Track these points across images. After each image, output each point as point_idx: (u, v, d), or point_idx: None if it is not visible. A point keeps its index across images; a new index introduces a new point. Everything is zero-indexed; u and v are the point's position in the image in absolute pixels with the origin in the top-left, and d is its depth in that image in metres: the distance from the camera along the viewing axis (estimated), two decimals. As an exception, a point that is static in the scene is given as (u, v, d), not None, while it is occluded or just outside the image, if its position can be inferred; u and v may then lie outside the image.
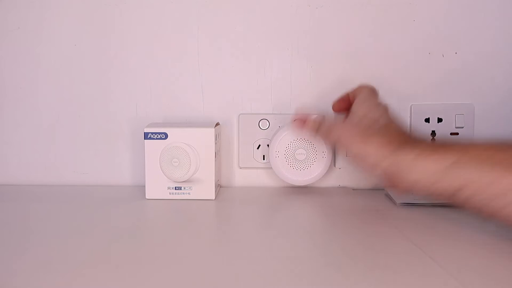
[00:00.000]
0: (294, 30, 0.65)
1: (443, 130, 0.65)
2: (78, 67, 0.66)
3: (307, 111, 0.60)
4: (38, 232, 0.46)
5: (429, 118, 0.65)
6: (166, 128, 0.57)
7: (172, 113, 0.66)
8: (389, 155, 0.44)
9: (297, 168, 0.60)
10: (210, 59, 0.65)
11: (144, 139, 0.57)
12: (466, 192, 0.40)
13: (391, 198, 0.58)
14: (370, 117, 0.49)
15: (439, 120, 0.65)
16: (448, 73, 0.65)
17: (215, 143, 0.58)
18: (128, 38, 0.65)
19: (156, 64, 0.66)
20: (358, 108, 0.51)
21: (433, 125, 0.65)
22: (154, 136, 0.57)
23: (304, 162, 0.60)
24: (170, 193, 0.58)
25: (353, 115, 0.51)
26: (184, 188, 0.58)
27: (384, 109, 0.51)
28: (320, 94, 0.66)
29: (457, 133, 0.65)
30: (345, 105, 0.56)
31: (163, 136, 0.57)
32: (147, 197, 0.58)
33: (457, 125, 0.65)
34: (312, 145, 0.60)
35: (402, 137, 0.46)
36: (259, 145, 0.66)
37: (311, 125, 0.55)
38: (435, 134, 0.65)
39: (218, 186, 0.63)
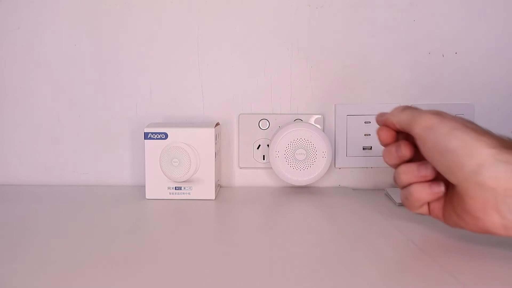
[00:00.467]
0: (294, 30, 0.65)
1: (443, 130, 0.65)
2: (78, 67, 0.66)
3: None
4: (38, 232, 0.46)
5: (429, 118, 0.65)
6: (166, 128, 0.57)
7: (172, 113, 0.66)
8: (502, 159, 0.35)
9: (297, 168, 0.60)
10: (210, 59, 0.65)
11: (144, 139, 0.57)
12: None
13: (391, 198, 0.58)
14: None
15: (439, 120, 0.65)
16: (448, 73, 0.65)
17: (215, 143, 0.58)
18: (128, 38, 0.65)
19: (156, 64, 0.66)
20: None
21: (433, 125, 0.65)
22: (154, 136, 0.57)
23: (304, 162, 0.60)
24: (170, 193, 0.58)
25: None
26: (184, 188, 0.58)
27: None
28: (320, 94, 0.66)
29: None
30: (392, 136, 0.44)
31: (163, 136, 0.57)
32: (147, 197, 0.58)
33: (457, 125, 0.65)
34: (312, 145, 0.60)
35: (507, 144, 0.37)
36: (259, 145, 0.66)
37: (396, 109, 0.43)
38: (435, 134, 0.65)
39: (218, 186, 0.63)
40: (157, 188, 0.58)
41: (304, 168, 0.60)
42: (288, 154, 0.60)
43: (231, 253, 0.40)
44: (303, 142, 0.60)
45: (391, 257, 0.39)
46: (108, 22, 0.65)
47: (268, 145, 0.64)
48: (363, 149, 0.66)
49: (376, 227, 0.47)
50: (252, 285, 0.34)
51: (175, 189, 0.58)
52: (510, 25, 0.65)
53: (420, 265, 0.37)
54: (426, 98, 0.65)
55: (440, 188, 0.39)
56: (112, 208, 0.54)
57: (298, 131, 0.60)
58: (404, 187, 0.42)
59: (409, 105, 0.45)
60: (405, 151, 0.42)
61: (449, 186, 0.40)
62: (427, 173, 0.40)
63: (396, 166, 0.43)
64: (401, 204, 0.55)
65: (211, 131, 0.57)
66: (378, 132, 0.45)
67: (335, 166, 0.66)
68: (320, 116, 0.65)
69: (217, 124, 0.61)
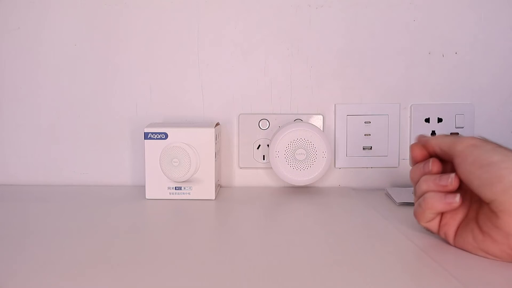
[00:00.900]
0: (294, 30, 0.65)
1: (443, 130, 0.65)
2: (78, 67, 0.66)
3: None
4: (38, 232, 0.46)
5: (429, 118, 0.65)
6: (166, 128, 0.57)
7: (172, 113, 0.66)
8: None
9: (297, 168, 0.60)
10: (210, 59, 0.65)
11: (144, 139, 0.57)
12: None
13: (391, 198, 0.58)
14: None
15: (439, 120, 0.65)
16: (448, 73, 0.65)
17: (215, 143, 0.58)
18: (128, 38, 0.65)
19: (156, 64, 0.66)
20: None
21: (433, 125, 0.65)
22: (154, 136, 0.57)
23: (304, 162, 0.60)
24: (170, 193, 0.58)
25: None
26: (184, 188, 0.58)
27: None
28: (320, 94, 0.66)
29: (457, 133, 0.65)
30: (424, 155, 0.45)
31: (163, 136, 0.57)
32: (147, 197, 0.58)
33: (457, 125, 0.65)
34: (312, 145, 0.60)
35: None
36: (259, 145, 0.66)
37: (439, 135, 0.44)
38: (435, 134, 0.65)
39: (218, 186, 0.63)
40: (157, 188, 0.58)
41: (304, 168, 0.60)
42: (288, 154, 0.60)
43: (231, 253, 0.40)
44: (303, 142, 0.60)
45: (391, 257, 0.39)
46: (108, 22, 0.65)
47: (268, 145, 0.64)
48: (363, 149, 0.66)
49: (376, 227, 0.47)
50: (252, 285, 0.34)
51: (175, 189, 0.58)
52: (510, 25, 0.65)
53: (420, 265, 0.37)
54: (426, 98, 0.65)
55: (455, 199, 0.39)
56: (112, 208, 0.54)
57: (298, 131, 0.60)
58: (421, 196, 0.42)
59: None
60: (433, 165, 0.42)
61: (474, 206, 0.40)
62: (448, 182, 0.40)
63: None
64: (401, 204, 0.55)
65: (211, 131, 0.57)
66: (412, 147, 0.45)
67: (335, 166, 0.66)
68: (320, 116, 0.65)
69: (217, 124, 0.61)
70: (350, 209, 0.55)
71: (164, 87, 0.66)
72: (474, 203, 0.40)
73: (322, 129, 0.65)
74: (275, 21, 0.65)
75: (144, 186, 0.58)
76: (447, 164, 0.43)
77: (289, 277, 0.35)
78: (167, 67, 0.66)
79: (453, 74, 0.65)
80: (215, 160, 0.58)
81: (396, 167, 0.66)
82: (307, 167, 0.60)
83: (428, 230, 0.43)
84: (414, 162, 0.45)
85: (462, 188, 0.41)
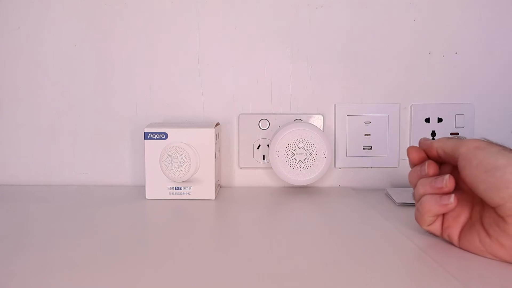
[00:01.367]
0: (294, 30, 0.65)
1: (443, 130, 0.65)
2: (78, 67, 0.66)
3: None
4: (38, 232, 0.46)
5: (429, 118, 0.65)
6: (166, 128, 0.57)
7: (172, 113, 0.66)
8: None
9: (297, 168, 0.60)
10: (210, 59, 0.65)
11: (144, 139, 0.57)
12: None
13: (391, 198, 0.58)
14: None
15: (439, 120, 0.65)
16: (448, 73, 0.65)
17: (215, 143, 0.58)
18: (128, 38, 0.65)
19: (156, 64, 0.66)
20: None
21: (433, 125, 0.65)
22: (154, 136, 0.57)
23: (304, 162, 0.60)
24: (170, 193, 0.58)
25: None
26: (184, 188, 0.58)
27: None
28: (320, 94, 0.66)
29: (457, 133, 0.65)
30: (422, 157, 0.45)
31: (163, 136, 0.57)
32: (147, 197, 0.58)
33: (457, 125, 0.65)
34: (312, 145, 0.60)
35: None
36: (259, 145, 0.66)
37: (442, 137, 0.43)
38: (435, 134, 0.65)
39: (218, 186, 0.63)
40: (157, 188, 0.58)
41: (304, 168, 0.60)
42: (288, 154, 0.60)
43: (231, 253, 0.40)
44: (303, 142, 0.60)
45: (391, 257, 0.39)
46: (108, 22, 0.65)
47: (268, 145, 0.64)
48: (363, 149, 0.66)
49: (376, 227, 0.47)
50: (252, 285, 0.34)
51: (175, 189, 0.58)
52: (510, 25, 0.65)
53: (420, 265, 0.37)
54: (426, 98, 0.65)
55: (450, 200, 0.39)
56: (112, 208, 0.54)
57: (298, 131, 0.60)
58: (419, 199, 0.42)
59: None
60: (429, 168, 0.42)
61: (477, 208, 0.40)
62: (443, 184, 0.39)
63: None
64: (401, 204, 0.55)
65: (211, 131, 0.57)
66: (409, 150, 0.45)
67: (335, 166, 0.66)
68: (320, 116, 0.65)
69: (217, 124, 0.61)
70: (350, 209, 0.55)
71: (164, 87, 0.66)
72: (477, 205, 0.40)
73: (322, 129, 0.65)
74: (275, 21, 0.65)
75: (144, 186, 0.58)
76: (445, 166, 0.43)
77: (289, 277, 0.35)
78: (167, 67, 0.66)
79: (453, 74, 0.65)
80: (215, 160, 0.58)
81: (396, 167, 0.66)
82: (307, 167, 0.60)
83: (432, 234, 0.43)
84: (412, 165, 0.45)
85: (462, 189, 0.41)
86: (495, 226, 0.37)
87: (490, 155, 0.37)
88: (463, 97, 0.66)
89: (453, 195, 0.39)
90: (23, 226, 0.48)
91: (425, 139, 0.45)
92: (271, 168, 0.62)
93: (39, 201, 0.58)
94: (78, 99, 0.66)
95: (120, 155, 0.67)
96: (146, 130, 0.57)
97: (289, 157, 0.60)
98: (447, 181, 0.39)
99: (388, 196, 0.60)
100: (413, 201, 0.55)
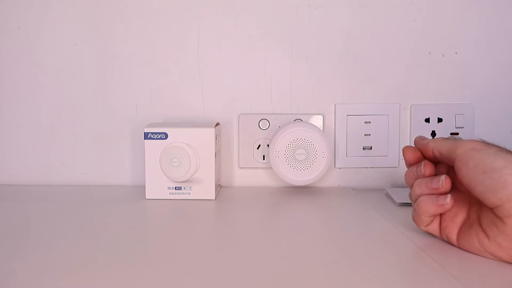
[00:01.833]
0: (294, 30, 0.65)
1: (443, 130, 0.65)
2: (78, 67, 0.66)
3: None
4: (38, 232, 0.46)
5: (429, 118, 0.65)
6: (166, 128, 0.57)
7: (172, 113, 0.66)
8: None
9: (297, 168, 0.60)
10: (210, 59, 0.65)
11: (144, 139, 0.57)
12: None
13: (391, 198, 0.58)
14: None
15: (439, 120, 0.65)
16: (448, 73, 0.65)
17: (215, 143, 0.58)
18: (128, 38, 0.65)
19: (156, 64, 0.66)
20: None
21: (433, 125, 0.65)
22: (154, 136, 0.57)
23: (304, 162, 0.60)
24: (170, 193, 0.58)
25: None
26: (184, 188, 0.58)
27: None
28: (320, 94, 0.66)
29: (457, 133, 0.65)
30: (418, 157, 0.44)
31: (163, 136, 0.57)
32: (147, 197, 0.58)
33: (457, 125, 0.65)
34: (312, 145, 0.60)
35: None
36: (259, 145, 0.66)
37: (438, 138, 0.43)
38: (435, 134, 0.65)
39: (218, 186, 0.63)
40: (157, 188, 0.58)
41: (304, 168, 0.60)
42: (288, 154, 0.60)
43: (231, 253, 0.40)
44: (303, 142, 0.60)
45: (391, 257, 0.39)
46: (108, 22, 0.65)
47: (268, 145, 0.64)
48: (363, 149, 0.66)
49: (376, 227, 0.47)
50: (252, 285, 0.34)
51: (175, 189, 0.58)
52: (510, 25, 0.65)
53: (420, 265, 0.37)
54: (426, 98, 0.65)
55: (446, 200, 0.39)
56: (112, 208, 0.54)
57: (298, 131, 0.60)
58: (416, 200, 0.42)
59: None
60: (425, 168, 0.42)
61: (474, 208, 0.40)
62: (439, 185, 0.39)
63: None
64: (401, 204, 0.55)
65: (211, 131, 0.57)
66: (404, 150, 0.45)
67: (335, 166, 0.66)
68: (320, 116, 0.65)
69: (217, 124, 0.61)
70: (350, 209, 0.55)
71: (164, 87, 0.66)
72: (474, 205, 0.40)
73: (322, 129, 0.65)
74: (275, 21, 0.65)
75: (144, 186, 0.58)
76: (441, 165, 0.43)
77: (289, 277, 0.35)
78: (167, 67, 0.66)
79: (453, 74, 0.65)
80: (215, 160, 0.58)
81: (396, 167, 0.66)
82: (307, 167, 0.60)
83: (430, 234, 0.43)
84: (408, 165, 0.45)
85: (458, 189, 0.41)
86: (493, 227, 0.37)
87: (487, 156, 0.36)
88: (463, 97, 0.66)
89: (449, 195, 0.39)
90: (23, 226, 0.48)
91: (420, 137, 0.45)
92: (271, 168, 0.62)
93: (39, 201, 0.58)
94: (78, 99, 0.66)
95: (120, 155, 0.67)
96: (146, 130, 0.57)
97: (289, 157, 0.60)
98: (443, 181, 0.39)
99: (388, 196, 0.60)
100: (413, 201, 0.55)
